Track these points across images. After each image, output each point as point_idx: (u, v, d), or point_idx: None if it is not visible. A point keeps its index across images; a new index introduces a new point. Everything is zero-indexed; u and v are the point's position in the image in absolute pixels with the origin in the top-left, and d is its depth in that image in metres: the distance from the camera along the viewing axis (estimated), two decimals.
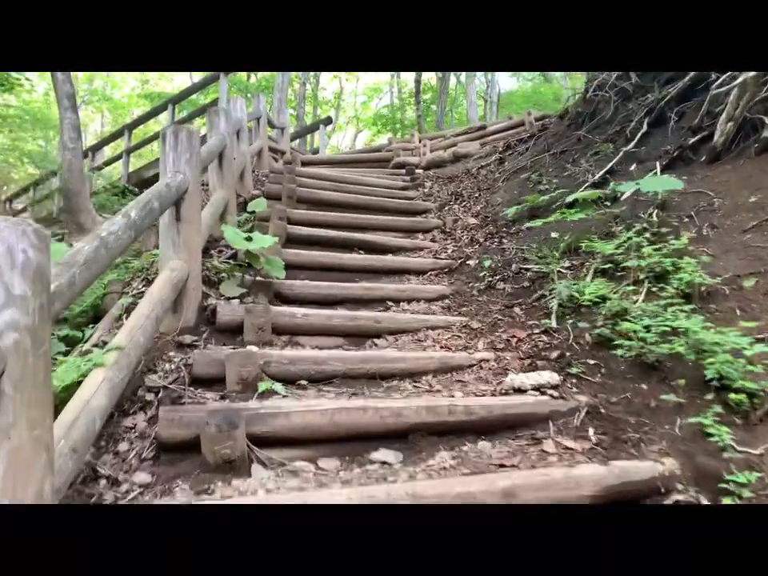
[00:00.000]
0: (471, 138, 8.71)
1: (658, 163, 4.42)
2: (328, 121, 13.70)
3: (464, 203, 5.84)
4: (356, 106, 31.56)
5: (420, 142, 9.37)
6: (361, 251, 4.62)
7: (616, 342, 2.59)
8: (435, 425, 2.07)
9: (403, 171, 7.88)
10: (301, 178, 6.08)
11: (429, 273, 4.20)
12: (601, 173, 4.70)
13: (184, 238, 2.95)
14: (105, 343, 2.65)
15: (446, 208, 5.85)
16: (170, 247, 2.94)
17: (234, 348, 2.67)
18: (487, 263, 3.92)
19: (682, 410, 2.14)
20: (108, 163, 14.46)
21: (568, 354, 2.69)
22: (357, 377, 2.57)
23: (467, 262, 4.23)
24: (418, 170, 7.88)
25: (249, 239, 3.22)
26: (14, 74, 9.92)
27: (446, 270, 4.21)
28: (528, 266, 3.78)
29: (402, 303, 3.64)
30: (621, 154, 4.83)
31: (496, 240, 4.47)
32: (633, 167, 4.68)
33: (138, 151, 15.88)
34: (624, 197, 4.18)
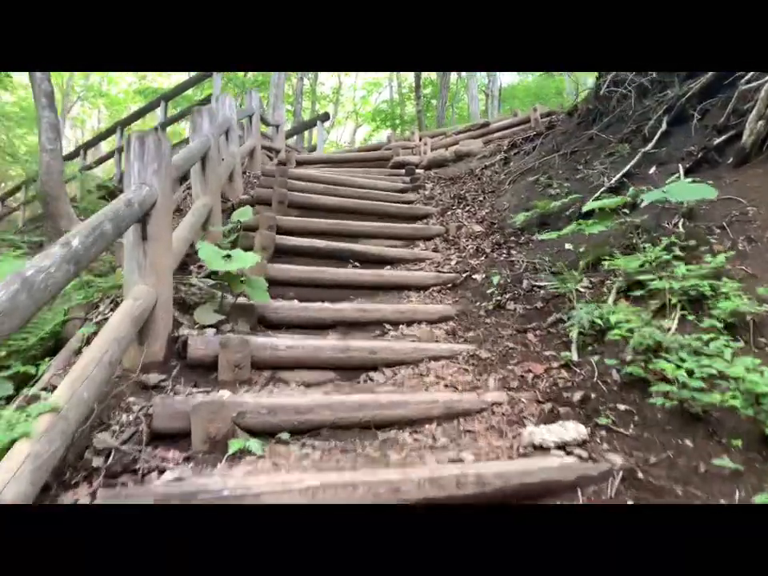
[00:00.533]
0: (474, 136, 8.32)
1: (680, 166, 4.03)
2: (326, 117, 13.28)
3: (468, 207, 5.46)
4: (355, 100, 31.11)
5: (420, 140, 8.97)
6: (356, 263, 4.24)
7: (651, 385, 2.22)
8: (441, 500, 1.70)
9: (403, 171, 7.49)
10: (293, 181, 5.69)
11: (431, 288, 3.82)
12: (617, 176, 4.31)
13: (151, 260, 2.58)
14: (54, 387, 2.29)
15: (449, 213, 5.46)
16: (135, 271, 2.56)
17: (205, 391, 2.30)
18: (496, 279, 3.54)
19: (741, 480, 1.76)
20: (99, 162, 14.06)
21: (593, 395, 2.32)
22: (348, 426, 2.19)
23: (473, 276, 3.85)
24: (418, 170, 7.49)
25: (228, 257, 2.85)
26: None
27: (449, 286, 3.83)
28: (541, 284, 3.40)
29: (401, 326, 3.26)
30: (638, 155, 4.44)
31: (504, 251, 4.09)
32: (652, 170, 4.28)
33: None
34: (644, 203, 3.79)
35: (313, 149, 13.64)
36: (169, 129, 13.52)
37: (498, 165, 6.64)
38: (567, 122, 6.38)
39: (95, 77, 31.17)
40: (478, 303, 3.46)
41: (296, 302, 3.38)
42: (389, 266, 4.29)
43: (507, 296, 3.38)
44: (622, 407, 2.20)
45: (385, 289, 3.80)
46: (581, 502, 1.80)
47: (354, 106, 30.92)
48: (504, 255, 4.01)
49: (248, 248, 4.02)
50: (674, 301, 2.68)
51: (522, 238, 4.19)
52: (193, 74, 12.66)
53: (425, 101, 15.31)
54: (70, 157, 15.33)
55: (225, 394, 2.21)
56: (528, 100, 21.56)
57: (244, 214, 3.96)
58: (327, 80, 28.73)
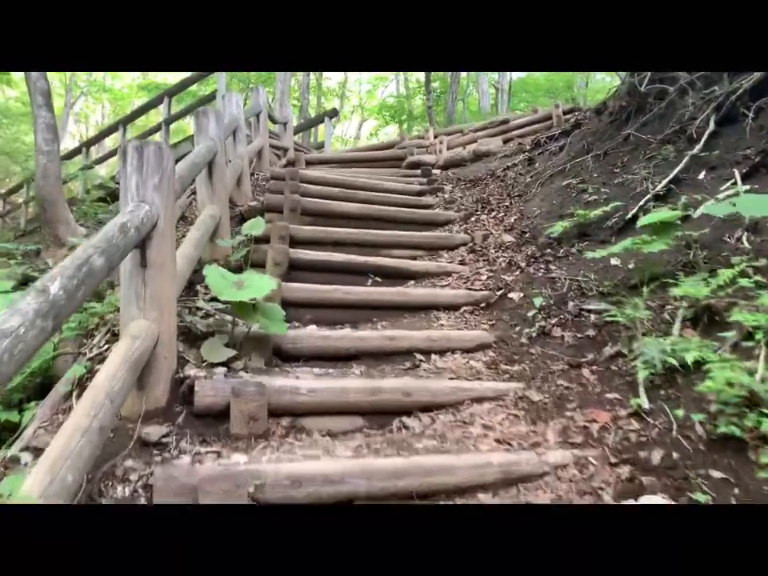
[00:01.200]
0: (492, 134, 7.91)
1: (735, 171, 3.64)
2: (333, 113, 12.89)
3: (493, 213, 5.07)
4: (361, 94, 30.65)
5: (435, 138, 8.58)
6: (377, 278, 3.88)
7: (748, 445, 1.85)
8: None
9: (418, 172, 7.11)
10: (305, 185, 5.32)
11: (462, 309, 3.45)
12: (664, 182, 3.92)
13: (152, 291, 2.22)
14: (37, 450, 1.93)
15: (473, 219, 5.08)
16: (133, 302, 2.20)
17: (215, 452, 1.94)
18: (538, 301, 3.16)
19: None
20: (101, 161, 13.72)
21: (676, 455, 1.95)
22: (385, 497, 1.83)
23: (509, 295, 3.47)
24: (434, 171, 7.11)
25: (239, 285, 2.48)
26: None
27: (482, 305, 3.46)
28: (590, 307, 3.02)
29: (433, 356, 2.90)
30: (686, 158, 4.04)
31: (541, 266, 3.71)
32: (702, 175, 3.89)
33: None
34: (697, 213, 3.41)
35: (320, 146, 13.26)
36: (173, 125, 13.17)
37: (521, 165, 6.24)
38: (595, 120, 5.97)
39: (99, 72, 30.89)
40: (518, 328, 3.09)
41: (314, 328, 3.01)
42: (413, 281, 3.92)
43: (552, 321, 3.01)
44: (716, 474, 1.83)
45: (411, 309, 3.43)
46: None
47: (359, 100, 30.47)
48: (542, 271, 3.63)
49: (259, 263, 3.67)
50: (758, 336, 2.30)
51: (561, 251, 3.80)
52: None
53: (434, 96, 14.87)
54: (72, 154, 15.01)
55: (239, 459, 1.85)
56: (539, 94, 21.07)
57: (255, 227, 3.59)
58: (333, 74, 28.34)
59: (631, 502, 1.73)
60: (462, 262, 4.16)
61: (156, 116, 18.24)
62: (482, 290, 3.61)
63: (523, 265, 3.80)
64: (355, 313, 3.31)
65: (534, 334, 2.99)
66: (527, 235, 4.33)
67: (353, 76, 30.08)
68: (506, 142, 7.74)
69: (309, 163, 8.10)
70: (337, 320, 3.26)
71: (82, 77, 28.47)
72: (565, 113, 7.75)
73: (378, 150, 8.95)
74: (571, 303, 3.12)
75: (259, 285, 2.48)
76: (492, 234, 4.58)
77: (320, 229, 4.39)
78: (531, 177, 5.61)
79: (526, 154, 6.48)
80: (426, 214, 5.21)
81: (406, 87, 27.64)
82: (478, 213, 5.19)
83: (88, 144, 14.41)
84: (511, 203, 5.16)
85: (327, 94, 26.53)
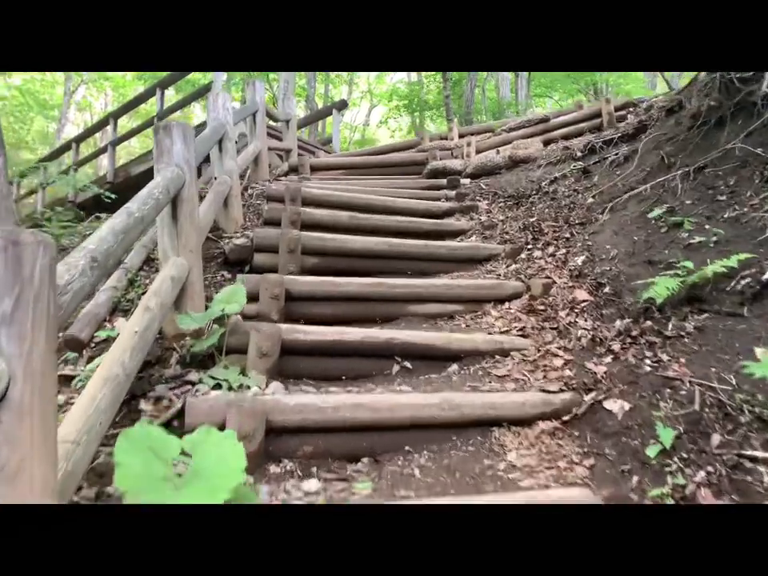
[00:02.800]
0: (530, 134, 6.72)
1: None
2: (342, 105, 11.69)
3: (550, 248, 3.93)
4: (370, 80, 29.24)
5: (461, 137, 7.38)
6: (406, 362, 2.78)
7: None
8: None
9: (443, 182, 5.97)
10: (308, 210, 4.22)
11: (536, 425, 2.33)
12: None
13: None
14: None
15: (523, 256, 3.95)
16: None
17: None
18: (666, 435, 2.03)
19: None
20: (86, 160, 12.63)
21: None
22: None
23: (604, 404, 2.36)
24: (463, 180, 5.96)
25: (178, 475, 1.38)
26: None
27: (565, 420, 2.35)
28: (756, 453, 1.90)
29: None
30: None
31: (645, 351, 2.57)
32: None
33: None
34: None
35: (328, 141, 12.07)
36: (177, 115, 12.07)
37: (574, 178, 5.07)
38: (670, 124, 4.77)
39: None
40: (635, 480, 1.97)
41: (316, 483, 1.92)
42: (455, 365, 2.80)
43: (695, 477, 1.88)
44: None
45: (460, 426, 2.32)
46: None
47: (368, 86, 29.06)
48: (648, 361, 2.50)
49: (240, 349, 2.57)
50: None
51: (669, 325, 2.66)
52: None
53: (451, 83, 13.58)
54: (61, 151, 13.95)
55: None
56: (557, 77, 19.66)
57: (233, 299, 2.48)
58: None
59: None
60: (522, 333, 3.03)
61: (152, 108, 17.09)
62: (562, 389, 2.49)
63: (616, 347, 2.67)
64: (380, 438, 2.21)
65: (667, 490, 1.87)
66: (607, 290, 3.19)
67: None
68: (546, 143, 6.55)
69: (315, 169, 6.97)
70: (351, 452, 2.17)
71: None
72: (616, 109, 6.54)
73: (395, 151, 7.76)
74: (716, 438, 2.00)
75: (215, 474, 1.38)
76: (555, 281, 3.44)
77: (327, 280, 3.28)
78: (593, 197, 4.45)
79: (579, 163, 5.30)
80: (462, 250, 4.07)
81: (418, 73, 26.31)
82: (529, 246, 4.05)
83: (78, 140, 13.31)
84: (572, 234, 4.01)
85: (334, 80, 25.17)
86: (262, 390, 2.36)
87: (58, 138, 24.69)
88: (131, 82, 27.39)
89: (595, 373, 2.55)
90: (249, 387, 2.34)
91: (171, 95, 20.28)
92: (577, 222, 4.17)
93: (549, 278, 3.51)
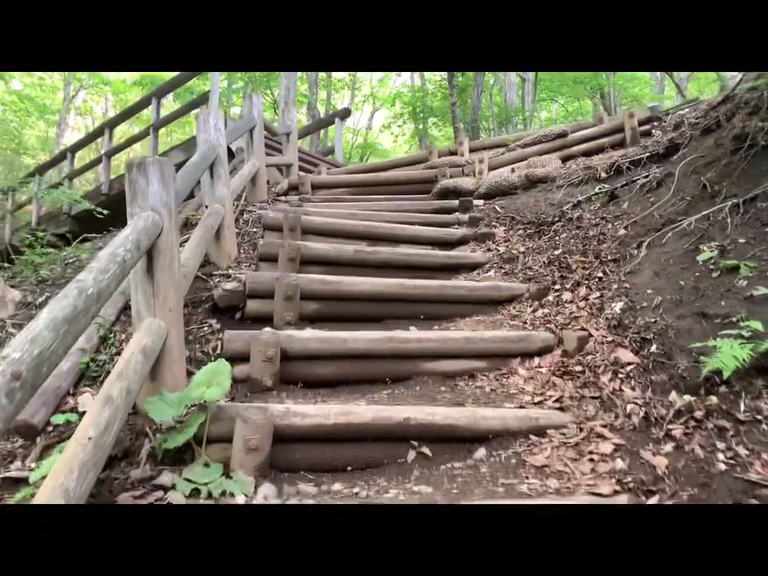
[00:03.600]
0: (546, 150, 6.27)
1: None
2: (345, 113, 11.27)
3: (581, 289, 3.48)
4: (372, 83, 28.80)
5: (471, 152, 6.94)
6: (424, 448, 2.33)
7: None
8: None
9: (455, 203, 5.53)
10: (308, 245, 3.79)
11: None
12: None
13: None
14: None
15: (550, 298, 3.50)
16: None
17: None
18: None
19: None
20: (81, 171, 12.22)
21: None
22: None
23: None
24: (476, 201, 5.52)
25: None
26: None
27: None
28: None
29: None
30: None
31: (715, 437, 2.12)
32: None
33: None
34: None
35: (330, 151, 11.65)
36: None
37: (599, 203, 4.62)
38: (708, 145, 4.33)
39: None
40: None
41: None
42: (481, 449, 2.35)
43: None
44: None
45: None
46: None
47: (371, 89, 28.61)
48: (721, 456, 2.04)
49: (223, 438, 2.13)
50: None
51: (740, 407, 2.21)
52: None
53: (457, 89, 13.12)
54: (56, 161, 13.55)
55: None
56: (564, 81, 19.18)
57: (214, 382, 2.04)
58: None
59: None
60: (558, 404, 2.58)
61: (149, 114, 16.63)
62: (617, 491, 2.04)
63: (677, 431, 2.21)
64: None
65: None
66: (654, 349, 2.73)
67: None
68: (564, 160, 6.11)
69: (316, 187, 6.53)
70: None
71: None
72: (639, 123, 6.09)
73: (402, 166, 7.32)
74: None
75: None
76: (590, 334, 3.00)
77: (330, 337, 2.84)
78: (625, 227, 4.00)
79: (604, 185, 4.85)
80: (481, 290, 3.62)
81: (422, 78, 25.94)
82: (557, 286, 3.61)
83: (73, 149, 12.90)
84: (605, 273, 3.56)
85: (336, 85, 24.73)
86: (249, 497, 1.91)
87: (58, 143, 24.34)
88: (131, 87, 27.10)
89: (654, 467, 2.10)
90: (233, 494, 1.90)
91: (170, 102, 19.91)
92: (609, 257, 3.72)
93: (584, 329, 3.06)
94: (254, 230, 4.72)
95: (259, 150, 6.01)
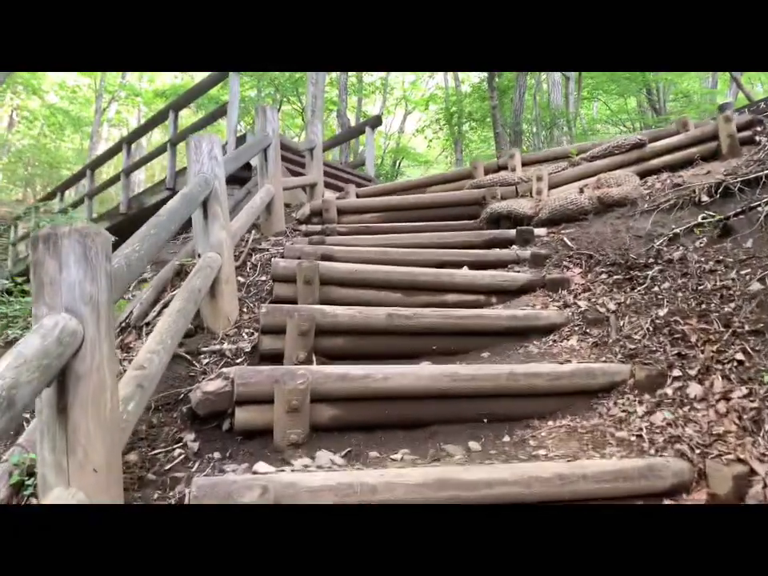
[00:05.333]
0: (619, 163, 5.14)
1: None
2: (377, 122, 10.32)
3: (713, 379, 2.42)
4: (404, 85, 27.83)
5: (524, 166, 5.88)
6: None
7: None
8: None
9: (510, 233, 4.50)
10: (327, 310, 2.85)
11: None
12: None
13: None
14: None
15: (668, 391, 2.45)
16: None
17: None
18: None
19: None
20: (100, 189, 11.58)
21: None
22: None
23: None
24: (537, 231, 4.49)
25: None
26: None
27: None
28: None
29: None
30: None
31: None
32: None
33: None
34: None
35: (360, 163, 10.71)
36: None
37: (706, 237, 3.53)
38: None
39: (131, 75, 29.71)
40: None
41: None
42: None
43: None
44: None
45: None
46: None
47: (403, 92, 27.61)
48: None
49: None
50: None
51: None
52: (206, 74, 9.90)
53: (498, 92, 12.01)
54: (75, 179, 13.01)
55: None
56: (602, 79, 17.79)
57: None
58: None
59: None
60: None
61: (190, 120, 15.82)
62: None
63: None
64: None
65: None
66: None
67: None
68: (642, 176, 4.99)
69: (343, 212, 5.58)
70: None
71: (111, 80, 27.14)
72: (740, 127, 4.94)
73: (442, 183, 6.29)
74: None
75: None
76: (753, 471, 1.95)
77: (353, 481, 1.86)
78: (761, 279, 2.91)
79: (708, 212, 3.75)
80: (567, 378, 2.58)
81: (455, 79, 24.88)
82: (675, 372, 2.54)
83: (93, 167, 12.32)
84: (747, 353, 2.48)
85: (367, 89, 23.81)
86: None
87: (91, 156, 24.25)
88: (159, 98, 26.91)
89: None
90: None
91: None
92: (746, 327, 2.63)
93: (740, 459, 2.01)
94: (264, 278, 3.79)
95: (275, 172, 5.10)
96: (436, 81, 27.61)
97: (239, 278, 3.71)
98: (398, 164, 23.91)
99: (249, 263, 4.05)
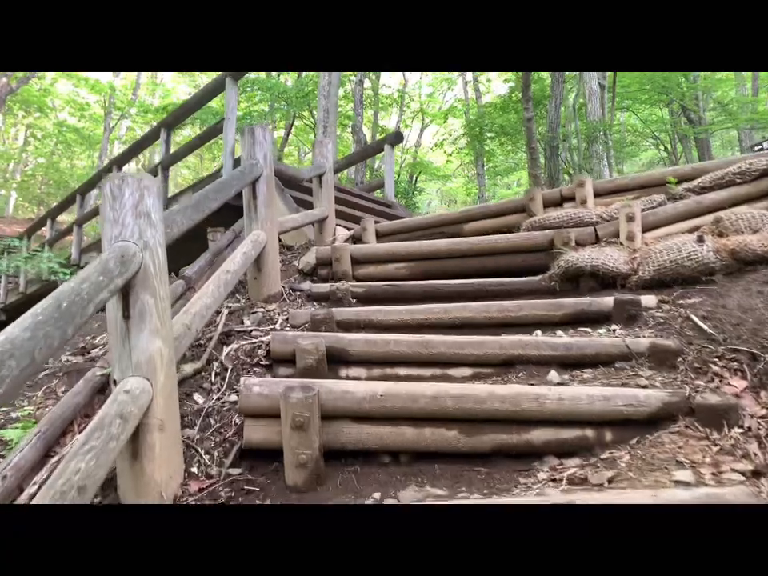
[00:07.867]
0: (744, 197, 3.66)
1: None
2: (397, 139, 8.96)
3: None
4: (421, 98, 26.56)
5: (597, 196, 4.44)
6: None
7: None
8: None
9: (606, 302, 3.08)
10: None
11: None
12: None
13: None
14: None
15: None
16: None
17: None
18: None
19: None
20: (58, 237, 10.30)
21: None
22: None
23: None
24: (643, 298, 3.06)
25: None
26: None
27: None
28: None
29: None
30: None
31: None
32: None
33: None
34: None
35: (378, 185, 9.34)
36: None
37: None
38: None
39: (142, 91, 29.09)
40: None
41: None
42: None
43: None
44: None
45: None
46: None
47: (420, 104, 26.33)
48: None
49: None
50: None
51: None
52: (199, 89, 8.60)
53: (533, 102, 10.61)
54: (65, 205, 11.84)
55: None
56: (633, 88, 16.34)
57: None
58: (389, 78, 24.58)
59: None
60: None
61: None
62: None
63: None
64: None
65: None
66: None
67: (412, 78, 26.26)
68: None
69: (359, 262, 4.19)
70: None
71: (121, 98, 26.40)
72: None
73: (484, 219, 4.88)
74: None
75: None
76: None
77: None
78: None
79: None
80: None
81: (475, 88, 23.56)
82: None
83: (83, 191, 11.10)
84: None
85: (384, 101, 22.55)
86: None
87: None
88: (160, 116, 26.08)
89: None
90: None
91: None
92: None
93: None
94: (236, 397, 2.40)
95: (267, 212, 3.72)
96: (455, 93, 26.36)
97: (195, 397, 2.33)
98: (415, 179, 22.59)
99: (216, 362, 2.66)
